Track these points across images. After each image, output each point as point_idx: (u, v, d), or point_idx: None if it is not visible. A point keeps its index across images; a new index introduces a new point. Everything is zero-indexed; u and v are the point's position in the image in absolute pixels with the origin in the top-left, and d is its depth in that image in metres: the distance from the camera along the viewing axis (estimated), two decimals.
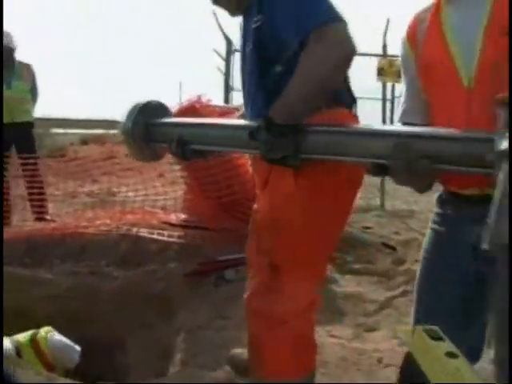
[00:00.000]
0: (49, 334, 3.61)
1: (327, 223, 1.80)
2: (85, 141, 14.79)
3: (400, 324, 3.30)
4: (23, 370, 2.18)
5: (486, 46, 1.44)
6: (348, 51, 1.60)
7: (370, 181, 5.57)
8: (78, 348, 3.68)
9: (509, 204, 1.27)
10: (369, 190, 7.00)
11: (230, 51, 7.77)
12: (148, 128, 1.92)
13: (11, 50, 5.64)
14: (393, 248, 4.54)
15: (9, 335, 3.49)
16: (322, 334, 3.37)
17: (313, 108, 1.66)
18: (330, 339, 3.19)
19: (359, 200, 6.07)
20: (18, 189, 6.12)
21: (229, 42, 7.70)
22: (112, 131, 17.03)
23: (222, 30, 7.50)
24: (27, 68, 5.82)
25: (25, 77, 5.76)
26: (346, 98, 1.85)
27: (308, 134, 1.57)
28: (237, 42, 8.13)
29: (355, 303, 3.62)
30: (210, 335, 3.20)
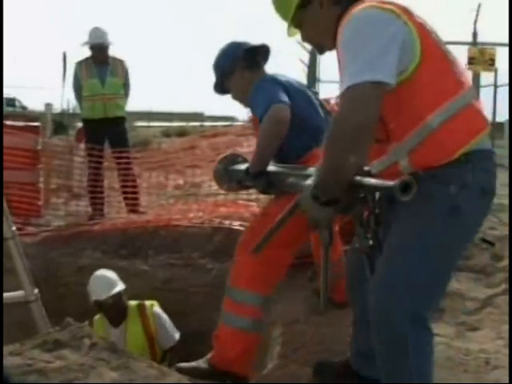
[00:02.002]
0: (154, 306, 3.94)
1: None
2: (167, 133, 15.08)
3: (503, 324, 3.17)
4: (136, 362, 2.23)
5: None
6: (281, 123, 2.58)
7: None
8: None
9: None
10: None
11: None
12: (226, 172, 2.84)
13: (105, 47, 5.80)
14: (491, 243, 4.36)
15: None
16: None
17: (269, 158, 2.62)
18: None
19: None
20: (108, 181, 6.31)
21: None
22: (192, 123, 17.31)
23: None
24: (121, 64, 5.96)
25: (119, 73, 5.91)
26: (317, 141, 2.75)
27: (272, 174, 2.52)
28: None
29: (455, 300, 3.50)
30: (307, 330, 3.19)
